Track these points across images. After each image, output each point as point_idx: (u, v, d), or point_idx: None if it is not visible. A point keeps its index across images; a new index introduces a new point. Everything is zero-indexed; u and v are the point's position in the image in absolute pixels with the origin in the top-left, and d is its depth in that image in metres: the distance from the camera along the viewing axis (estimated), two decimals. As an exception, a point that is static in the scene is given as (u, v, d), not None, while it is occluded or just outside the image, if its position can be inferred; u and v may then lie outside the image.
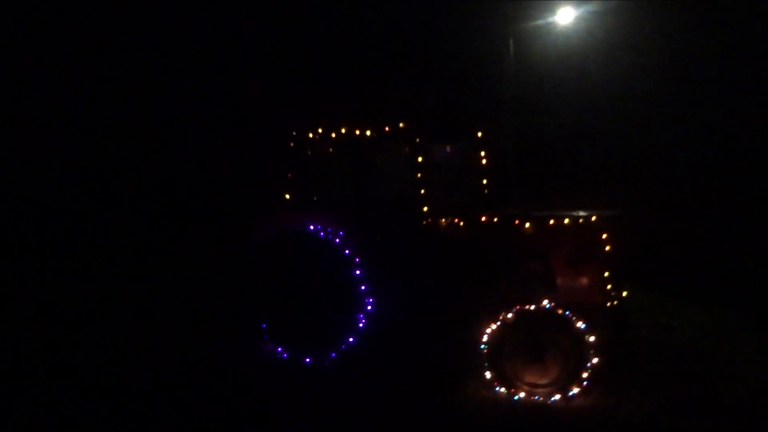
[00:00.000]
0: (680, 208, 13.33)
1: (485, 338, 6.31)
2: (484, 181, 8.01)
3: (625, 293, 6.77)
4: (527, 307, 6.22)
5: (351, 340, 7.00)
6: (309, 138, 7.52)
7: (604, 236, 6.49)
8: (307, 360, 7.22)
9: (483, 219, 6.83)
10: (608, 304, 6.46)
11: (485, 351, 6.31)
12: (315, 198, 7.70)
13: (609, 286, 6.46)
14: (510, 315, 6.25)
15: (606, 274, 6.47)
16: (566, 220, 6.62)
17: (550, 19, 17.02)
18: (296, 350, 7.28)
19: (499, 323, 6.27)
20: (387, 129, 7.10)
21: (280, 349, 7.38)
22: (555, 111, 17.44)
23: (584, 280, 6.54)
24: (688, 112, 14.63)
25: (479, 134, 7.98)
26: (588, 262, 6.54)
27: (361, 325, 6.99)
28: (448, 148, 8.05)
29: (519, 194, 15.29)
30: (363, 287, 6.95)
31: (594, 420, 5.94)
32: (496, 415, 6.08)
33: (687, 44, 14.66)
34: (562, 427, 5.87)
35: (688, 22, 14.85)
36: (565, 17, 16.30)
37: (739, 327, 8.33)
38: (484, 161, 7.99)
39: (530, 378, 6.26)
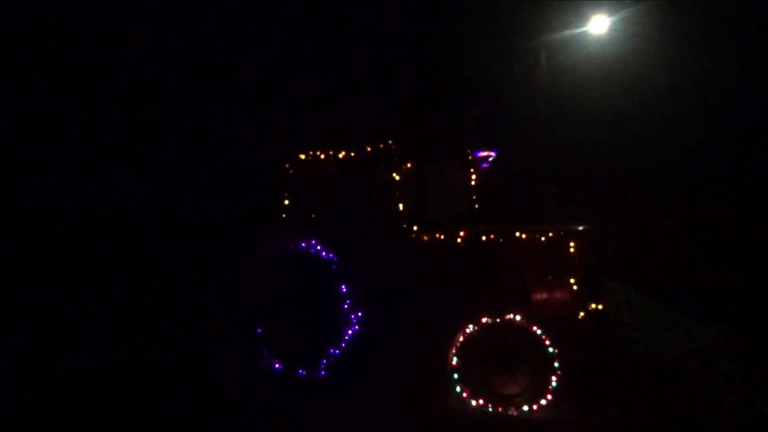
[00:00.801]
0: (712, 222, 13.02)
1: (454, 350, 6.51)
2: (474, 198, 8.18)
3: (600, 306, 6.83)
4: (492, 319, 6.39)
5: (337, 353, 7.30)
6: (302, 160, 7.94)
7: (572, 251, 6.59)
8: (299, 371, 7.57)
9: (456, 234, 7.05)
10: (578, 317, 6.55)
11: (455, 362, 6.50)
12: (309, 217, 8.09)
13: (578, 300, 6.55)
14: (476, 327, 6.43)
15: (575, 288, 6.57)
16: (535, 235, 6.77)
17: (584, 29, 16.98)
18: (289, 362, 7.65)
19: (466, 335, 6.46)
20: (369, 150, 7.45)
21: (275, 360, 7.76)
22: (587, 121, 17.31)
23: (553, 294, 6.65)
24: (723, 121, 14.26)
25: (468, 152, 8.19)
26: (557, 276, 6.65)
27: (346, 338, 7.29)
28: (439, 167, 8.24)
29: (548, 205, 15.32)
30: (348, 302, 7.26)
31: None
32: (465, 428, 6.26)
33: (721, 53, 14.31)
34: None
35: (723, 32, 14.51)
36: (598, 26, 16.25)
37: (744, 347, 8.14)
38: (473, 179, 8.18)
39: (498, 389, 6.41)
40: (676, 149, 15.13)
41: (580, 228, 6.80)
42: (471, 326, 6.46)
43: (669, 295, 10.66)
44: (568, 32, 17.52)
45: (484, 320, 6.43)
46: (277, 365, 7.73)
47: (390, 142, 7.33)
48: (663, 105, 15.29)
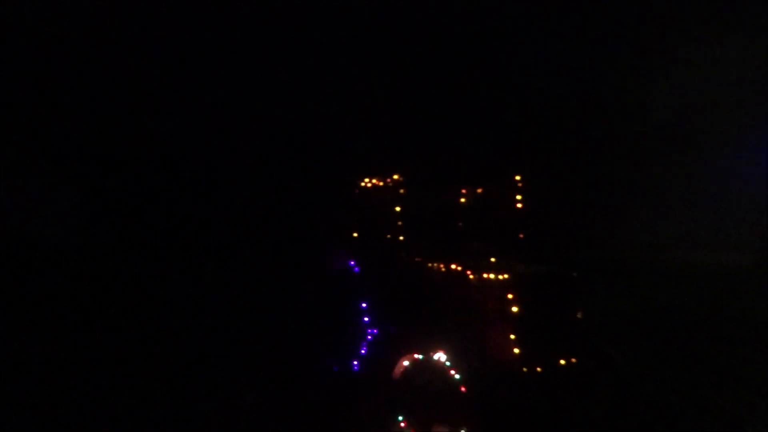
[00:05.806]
0: None
1: (395, 378, 6.92)
2: (519, 226, 7.98)
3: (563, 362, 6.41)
4: (421, 355, 6.63)
5: (354, 357, 8.18)
6: (359, 188, 8.88)
7: (511, 296, 6.35)
8: (335, 368, 8.63)
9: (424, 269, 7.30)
10: (508, 367, 6.34)
11: (394, 391, 6.91)
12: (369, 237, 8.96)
13: (519, 349, 6.33)
14: (409, 362, 6.74)
15: (510, 336, 6.35)
16: (484, 276, 6.65)
17: None
18: (335, 360, 8.76)
19: (402, 367, 6.82)
20: (383, 183, 8.11)
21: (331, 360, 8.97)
22: None
23: (489, 338, 6.50)
24: None
25: (517, 178, 8.05)
26: (495, 320, 6.48)
27: (363, 350, 8.13)
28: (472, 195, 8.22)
29: None
30: (366, 318, 8.11)
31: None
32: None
33: None
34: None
35: None
36: None
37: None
38: (519, 204, 8.01)
39: (423, 420, 6.62)
40: None
41: (526, 273, 6.43)
42: (406, 361, 6.79)
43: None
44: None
45: (415, 356, 6.70)
46: (335, 367, 8.92)
47: (393, 176, 7.84)
48: None
